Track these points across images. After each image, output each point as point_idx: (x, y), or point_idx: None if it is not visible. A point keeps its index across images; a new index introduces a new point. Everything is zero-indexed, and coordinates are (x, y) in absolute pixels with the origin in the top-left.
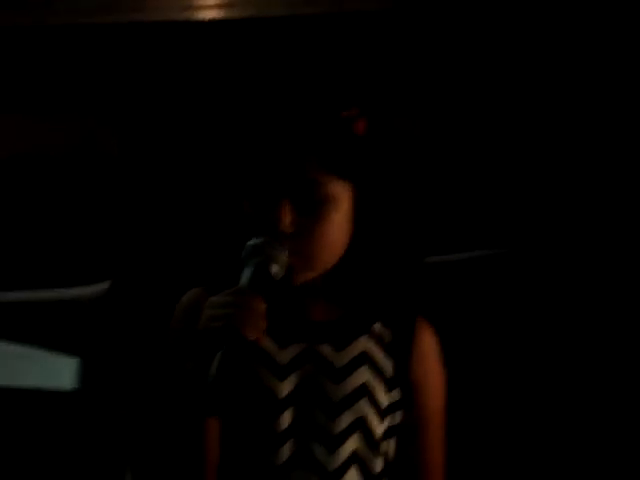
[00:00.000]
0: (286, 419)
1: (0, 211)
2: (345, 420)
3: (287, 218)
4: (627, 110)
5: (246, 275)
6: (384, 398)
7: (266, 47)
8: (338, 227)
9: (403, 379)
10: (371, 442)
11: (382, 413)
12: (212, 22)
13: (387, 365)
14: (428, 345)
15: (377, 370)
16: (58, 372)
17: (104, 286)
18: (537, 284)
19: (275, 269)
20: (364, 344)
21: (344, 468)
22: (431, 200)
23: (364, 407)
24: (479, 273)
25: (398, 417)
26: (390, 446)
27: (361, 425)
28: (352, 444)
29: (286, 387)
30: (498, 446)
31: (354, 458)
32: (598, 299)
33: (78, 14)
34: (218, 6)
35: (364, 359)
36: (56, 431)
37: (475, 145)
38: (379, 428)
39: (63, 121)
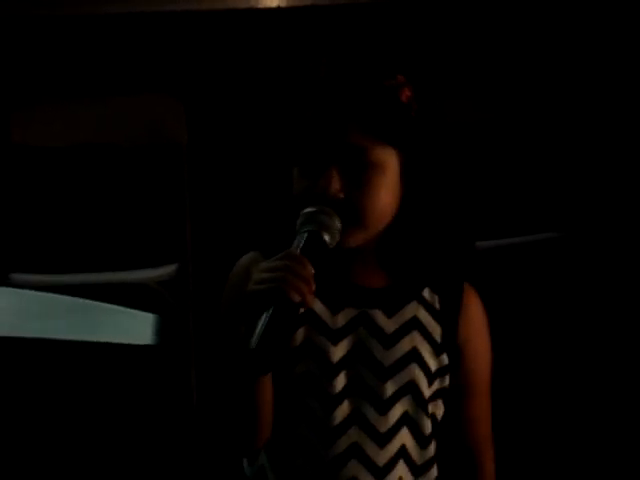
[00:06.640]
0: (340, 382)
1: (68, 198)
2: (395, 384)
3: (336, 184)
4: None
5: (297, 242)
6: (433, 362)
7: (309, 19)
8: (386, 193)
9: (451, 344)
10: (421, 404)
11: (431, 377)
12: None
13: (436, 330)
14: (475, 310)
15: (426, 335)
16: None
17: (171, 268)
18: (593, 269)
19: (328, 237)
20: (414, 309)
21: (395, 429)
22: (486, 182)
23: (414, 371)
24: (532, 258)
25: (446, 381)
26: (437, 407)
27: (411, 388)
28: (402, 407)
29: (339, 351)
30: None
31: (404, 420)
32: None
33: (146, 2)
34: None
35: (414, 324)
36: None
37: (531, 126)
38: (428, 391)
39: (130, 108)
